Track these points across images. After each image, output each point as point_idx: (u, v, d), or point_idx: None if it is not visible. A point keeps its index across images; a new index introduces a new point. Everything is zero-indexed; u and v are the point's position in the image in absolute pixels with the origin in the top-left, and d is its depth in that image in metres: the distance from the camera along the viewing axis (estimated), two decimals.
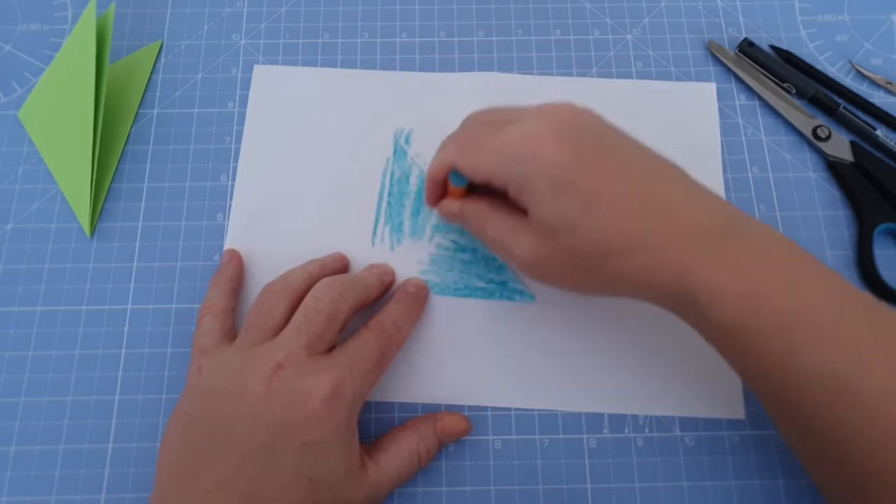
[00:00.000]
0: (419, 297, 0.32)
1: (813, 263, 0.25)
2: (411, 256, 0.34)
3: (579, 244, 0.25)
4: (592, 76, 0.39)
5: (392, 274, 0.33)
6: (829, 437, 0.23)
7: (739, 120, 0.38)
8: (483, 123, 0.28)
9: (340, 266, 0.33)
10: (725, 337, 0.25)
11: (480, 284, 0.34)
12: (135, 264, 0.35)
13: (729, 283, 0.24)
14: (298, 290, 0.30)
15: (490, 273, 0.34)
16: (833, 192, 0.36)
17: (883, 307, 0.24)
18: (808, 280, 0.24)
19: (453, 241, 0.34)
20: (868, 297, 0.25)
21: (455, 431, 0.30)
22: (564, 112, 0.27)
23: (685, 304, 0.25)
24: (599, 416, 0.32)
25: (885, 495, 0.22)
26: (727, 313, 0.24)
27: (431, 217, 0.35)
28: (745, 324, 0.23)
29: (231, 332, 0.30)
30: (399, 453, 0.29)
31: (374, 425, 0.32)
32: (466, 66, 0.39)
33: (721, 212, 0.26)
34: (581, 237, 0.25)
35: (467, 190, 0.30)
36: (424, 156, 0.36)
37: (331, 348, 0.28)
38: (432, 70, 0.39)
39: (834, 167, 0.36)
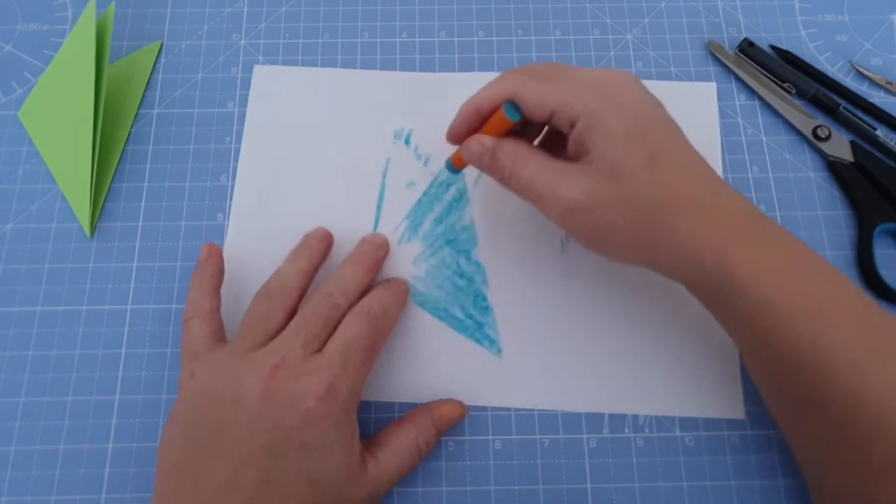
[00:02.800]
0: (399, 280, 0.33)
1: (826, 263, 0.26)
2: (410, 256, 0.34)
3: (638, 193, 0.25)
4: None
5: (386, 245, 0.33)
6: (842, 422, 0.24)
7: (739, 120, 0.38)
8: (550, 65, 0.29)
9: (326, 246, 0.33)
10: (754, 314, 0.25)
11: (459, 315, 0.33)
12: (135, 264, 0.35)
13: (767, 260, 0.25)
14: (294, 291, 0.30)
15: (473, 310, 0.33)
16: (833, 192, 0.36)
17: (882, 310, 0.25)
18: (836, 273, 0.26)
19: (458, 263, 0.34)
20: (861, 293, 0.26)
21: (452, 417, 0.30)
22: (633, 77, 0.27)
23: (718, 277, 0.25)
24: (599, 416, 0.32)
25: (889, 482, 0.23)
26: (765, 289, 0.24)
27: (451, 231, 0.35)
28: (777, 301, 0.24)
29: (219, 333, 0.30)
30: (398, 448, 0.29)
31: (374, 425, 0.32)
32: (466, 66, 0.39)
33: (752, 205, 0.27)
34: (642, 186, 0.25)
35: (508, 133, 0.28)
36: (425, 156, 0.36)
37: (324, 343, 0.28)
38: (432, 70, 0.39)
39: (834, 167, 0.36)
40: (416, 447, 0.29)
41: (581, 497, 0.31)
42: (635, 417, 0.32)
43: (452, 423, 0.31)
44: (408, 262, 0.34)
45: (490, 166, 0.28)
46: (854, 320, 0.24)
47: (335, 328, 0.28)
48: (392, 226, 0.35)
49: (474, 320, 0.33)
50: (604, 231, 0.26)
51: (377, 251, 0.32)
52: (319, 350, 0.28)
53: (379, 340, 0.29)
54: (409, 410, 0.31)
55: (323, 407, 0.25)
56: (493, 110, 0.27)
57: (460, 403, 0.31)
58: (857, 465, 0.24)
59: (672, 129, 0.27)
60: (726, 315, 0.27)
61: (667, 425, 0.32)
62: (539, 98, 0.26)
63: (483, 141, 0.28)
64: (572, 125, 0.26)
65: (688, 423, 0.32)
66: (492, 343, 0.33)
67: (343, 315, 0.29)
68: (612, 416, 0.32)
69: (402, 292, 0.32)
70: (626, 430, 0.32)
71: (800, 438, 0.27)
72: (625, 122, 0.25)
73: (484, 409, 0.32)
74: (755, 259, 0.25)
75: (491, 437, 0.32)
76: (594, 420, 0.32)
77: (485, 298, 0.33)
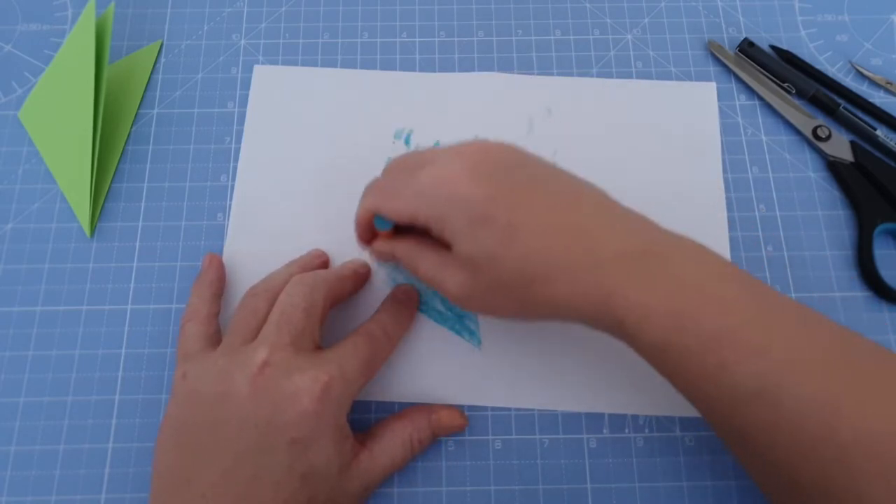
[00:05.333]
0: (408, 303, 0.32)
1: (741, 277, 0.25)
2: None
3: (502, 275, 0.25)
4: (592, 76, 0.39)
5: (367, 267, 0.34)
6: (762, 448, 0.23)
7: (739, 120, 0.38)
8: (400, 169, 0.29)
9: (319, 264, 0.33)
10: (655, 355, 0.25)
11: (440, 308, 0.33)
12: (135, 264, 0.35)
13: (653, 304, 0.24)
14: (279, 290, 0.30)
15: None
16: (833, 192, 0.36)
17: (815, 316, 0.25)
18: (736, 295, 0.24)
19: None
20: (800, 307, 0.25)
21: (450, 426, 0.30)
22: (477, 150, 0.27)
23: (613, 327, 0.25)
24: (599, 416, 0.32)
25: (823, 502, 0.22)
26: (655, 334, 0.24)
27: None
28: (672, 343, 0.24)
29: (215, 338, 0.30)
30: (392, 441, 0.29)
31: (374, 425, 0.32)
32: (466, 66, 0.39)
33: (642, 233, 0.26)
34: (503, 269, 0.25)
35: (395, 231, 0.30)
36: None
37: (317, 347, 0.28)
38: (432, 70, 0.39)
39: (834, 167, 0.36)
40: (410, 443, 0.29)
41: (581, 497, 0.31)
42: (635, 417, 0.32)
43: (450, 430, 0.31)
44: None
45: (399, 264, 0.31)
46: (753, 347, 0.23)
47: (318, 322, 0.28)
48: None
49: (454, 312, 0.33)
50: (491, 310, 0.28)
51: (361, 268, 0.33)
52: (313, 350, 0.28)
53: (377, 359, 0.29)
54: (409, 407, 0.31)
55: (316, 405, 0.26)
56: (372, 223, 0.30)
57: (461, 412, 0.31)
58: (786, 486, 0.23)
59: (521, 184, 0.26)
60: (636, 352, 0.26)
61: (667, 425, 0.32)
62: (394, 212, 0.28)
63: (382, 247, 0.30)
64: (428, 230, 0.27)
65: (688, 423, 0.32)
66: (472, 335, 0.33)
67: (324, 300, 0.29)
68: (612, 416, 0.32)
69: (407, 313, 0.32)
70: (626, 430, 0.32)
71: (736, 457, 0.27)
72: (464, 215, 0.25)
73: (484, 409, 0.32)
74: (641, 303, 0.24)
75: (491, 437, 0.32)
76: (594, 420, 0.32)
77: None
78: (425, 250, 0.28)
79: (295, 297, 0.28)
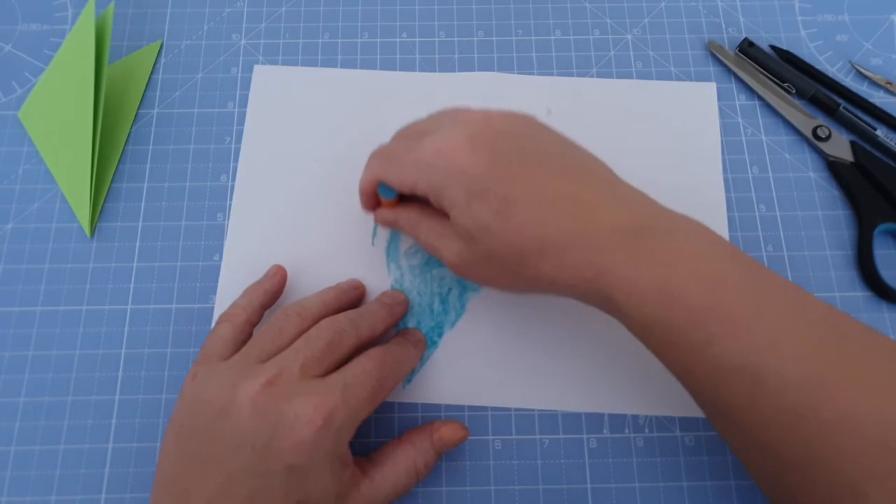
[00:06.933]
0: (419, 347, 0.32)
1: (735, 255, 0.25)
2: (402, 247, 0.34)
3: (496, 248, 0.26)
4: (592, 76, 0.39)
5: (405, 303, 0.33)
6: (746, 427, 0.23)
7: (739, 120, 0.38)
8: (404, 137, 0.29)
9: (356, 295, 0.33)
10: (643, 331, 0.25)
11: (437, 307, 0.34)
12: (135, 264, 0.35)
13: (642, 279, 0.24)
14: (312, 316, 0.29)
15: (458, 302, 0.34)
16: (833, 192, 0.36)
17: (806, 296, 0.25)
18: (727, 273, 0.24)
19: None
20: (794, 289, 0.25)
21: (453, 441, 0.30)
22: (479, 119, 0.27)
23: (604, 302, 0.25)
24: (599, 416, 0.32)
25: (802, 481, 0.22)
26: (643, 310, 0.24)
27: None
28: (660, 319, 0.24)
29: (242, 347, 0.29)
30: (395, 468, 0.28)
31: (373, 425, 0.32)
32: (466, 66, 0.39)
33: (642, 210, 0.26)
34: (497, 241, 0.25)
35: (399, 199, 0.30)
36: None
37: (327, 372, 0.27)
38: (432, 70, 0.39)
39: (834, 167, 0.36)
40: (415, 469, 0.28)
41: (581, 497, 0.31)
42: (635, 417, 0.32)
43: (453, 445, 0.30)
44: (399, 252, 0.35)
45: (400, 229, 0.31)
46: (739, 324, 0.23)
47: (341, 361, 0.28)
48: (380, 234, 0.35)
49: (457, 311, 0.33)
50: (485, 280, 0.29)
51: (398, 306, 0.32)
52: (321, 376, 0.27)
53: (385, 388, 0.28)
54: (410, 430, 0.30)
55: (315, 434, 0.25)
56: (376, 191, 0.30)
57: (461, 424, 0.30)
58: (769, 465, 0.24)
59: (522, 156, 0.26)
60: (627, 327, 0.26)
61: (667, 425, 0.32)
62: (395, 180, 0.28)
63: (385, 215, 0.31)
64: (427, 199, 0.27)
65: (688, 423, 0.32)
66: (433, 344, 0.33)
67: (349, 347, 0.28)
68: (612, 416, 0.32)
69: (416, 355, 0.31)
70: (626, 430, 0.32)
71: (722, 436, 0.27)
72: (462, 186, 0.25)
73: (484, 409, 0.32)
74: (631, 280, 0.24)
75: (491, 437, 0.32)
76: (594, 420, 0.32)
77: (465, 290, 0.34)
78: (427, 218, 0.29)
79: (324, 330, 0.28)
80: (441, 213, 0.28)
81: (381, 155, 0.30)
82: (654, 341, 0.25)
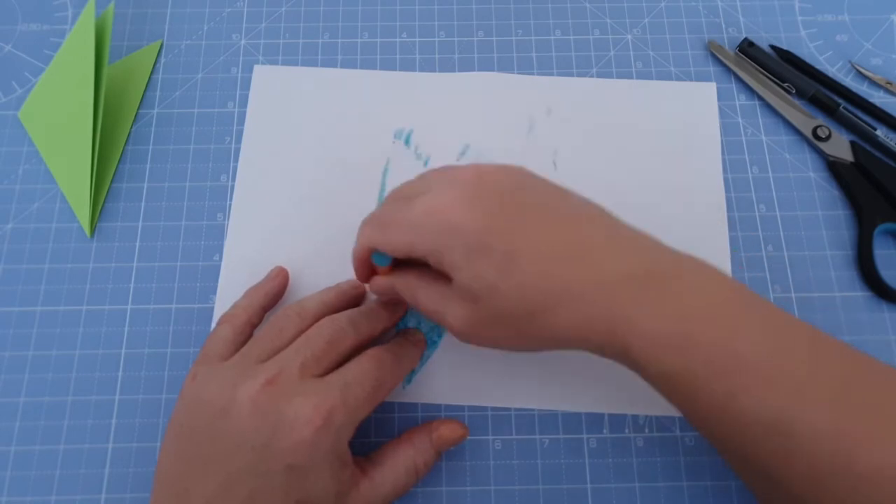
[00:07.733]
0: (419, 347, 0.32)
1: (749, 298, 0.25)
2: None
3: (503, 306, 0.24)
4: (592, 76, 0.39)
5: (405, 304, 0.32)
6: (776, 479, 0.23)
7: (739, 120, 0.38)
8: (394, 200, 0.28)
9: (356, 295, 0.32)
10: (664, 384, 0.24)
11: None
12: (135, 264, 0.35)
13: (659, 331, 0.23)
14: (311, 316, 0.29)
15: None
16: (833, 192, 0.36)
17: (825, 339, 0.24)
18: (744, 319, 0.24)
19: None
20: (811, 330, 0.24)
21: (452, 439, 0.30)
22: (470, 176, 0.26)
23: (619, 355, 0.24)
24: (599, 416, 0.32)
25: None
26: (662, 362, 0.23)
27: None
28: (681, 370, 0.23)
29: (241, 348, 0.29)
30: (395, 467, 0.28)
31: (373, 425, 0.32)
32: (466, 66, 0.39)
33: (647, 254, 0.25)
34: (503, 299, 0.24)
35: (393, 265, 0.29)
36: (425, 156, 0.36)
37: (327, 372, 0.27)
38: (432, 70, 0.39)
39: (834, 167, 0.36)
40: (414, 468, 0.28)
41: (581, 497, 0.31)
42: (635, 417, 0.32)
43: (452, 443, 0.30)
44: None
45: (399, 296, 0.29)
46: (761, 376, 0.22)
47: (341, 360, 0.28)
48: None
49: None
50: (495, 342, 0.27)
51: (398, 306, 0.32)
52: (321, 376, 0.27)
53: (384, 388, 0.28)
54: (409, 429, 0.30)
55: (316, 435, 0.25)
56: (370, 258, 0.29)
57: (461, 423, 0.30)
58: None
59: (518, 209, 0.25)
60: (646, 380, 0.25)
61: (667, 425, 0.32)
62: (389, 246, 0.27)
63: (380, 283, 0.29)
64: (425, 262, 0.26)
65: (688, 424, 0.32)
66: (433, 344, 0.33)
67: (349, 346, 0.28)
68: (612, 416, 0.32)
69: (419, 350, 0.32)
70: (626, 430, 0.32)
71: (750, 488, 0.26)
72: (461, 245, 0.24)
73: (484, 409, 0.32)
74: (646, 332, 0.23)
75: (491, 437, 0.32)
76: (594, 420, 0.32)
77: None
78: (425, 283, 0.27)
79: (324, 329, 0.28)
80: (441, 276, 0.26)
81: (372, 221, 0.28)
82: (675, 395, 0.24)
